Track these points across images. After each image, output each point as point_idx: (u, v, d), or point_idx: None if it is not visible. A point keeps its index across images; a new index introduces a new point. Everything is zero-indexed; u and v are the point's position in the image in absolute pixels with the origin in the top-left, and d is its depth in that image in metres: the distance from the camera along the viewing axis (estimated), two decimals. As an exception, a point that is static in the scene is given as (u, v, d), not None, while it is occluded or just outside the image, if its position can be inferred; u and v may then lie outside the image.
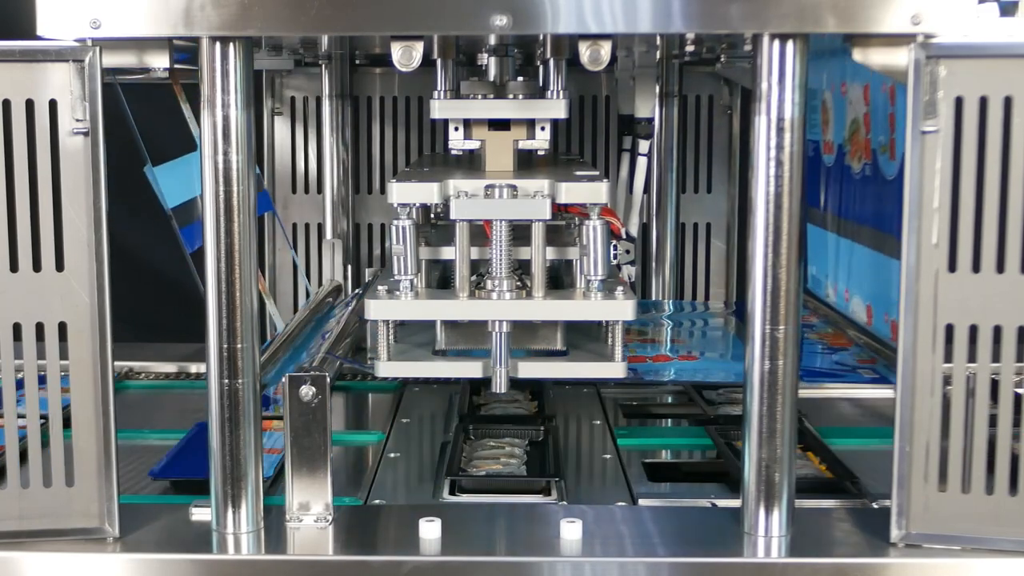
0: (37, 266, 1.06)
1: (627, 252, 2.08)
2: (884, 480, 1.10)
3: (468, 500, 1.24)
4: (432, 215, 1.38)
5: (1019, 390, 1.07)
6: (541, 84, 1.44)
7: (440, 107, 1.27)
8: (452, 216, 1.19)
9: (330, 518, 1.13)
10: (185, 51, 1.09)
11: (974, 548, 1.07)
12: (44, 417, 1.09)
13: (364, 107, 2.25)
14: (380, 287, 1.22)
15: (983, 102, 1.03)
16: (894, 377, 1.65)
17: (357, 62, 2.21)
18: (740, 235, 2.24)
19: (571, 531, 1.09)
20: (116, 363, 1.66)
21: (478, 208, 1.19)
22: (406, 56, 1.14)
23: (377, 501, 1.25)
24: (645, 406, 1.62)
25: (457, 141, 1.29)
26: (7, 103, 1.05)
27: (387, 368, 1.23)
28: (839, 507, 1.20)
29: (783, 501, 1.10)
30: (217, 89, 1.06)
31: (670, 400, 1.66)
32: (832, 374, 1.70)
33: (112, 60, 1.07)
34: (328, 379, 1.13)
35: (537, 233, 1.20)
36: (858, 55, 1.08)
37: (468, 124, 1.28)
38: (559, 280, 1.32)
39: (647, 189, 2.15)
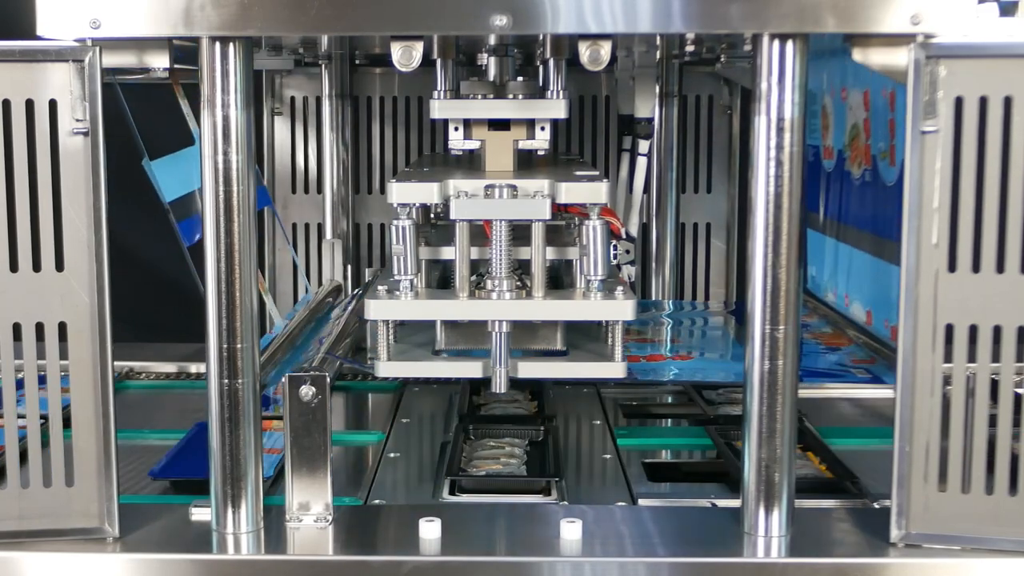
0: (37, 266, 1.06)
1: (627, 252, 2.08)
2: (884, 480, 1.10)
3: (468, 500, 1.24)
4: (432, 215, 1.38)
5: (1019, 390, 1.07)
6: (541, 84, 1.44)
7: (440, 107, 1.27)
8: (452, 216, 1.19)
9: (330, 518, 1.13)
10: (184, 51, 1.09)
11: (974, 548, 1.07)
12: (44, 417, 1.09)
13: (364, 107, 2.25)
14: (380, 287, 1.22)
15: (983, 102, 1.03)
16: (888, 377, 1.66)
17: (357, 62, 2.21)
18: (740, 235, 2.24)
19: (571, 531, 1.09)
20: (116, 363, 1.67)
21: (478, 208, 1.19)
22: (406, 56, 1.14)
23: (377, 501, 1.25)
24: (645, 406, 1.62)
25: (457, 141, 1.29)
26: (7, 103, 1.05)
27: (387, 368, 1.23)
28: (839, 507, 1.20)
29: (783, 501, 1.10)
30: (217, 89, 1.06)
31: (670, 400, 1.66)
32: (827, 374, 1.70)
33: (112, 60, 1.07)
34: (328, 379, 1.13)
35: (537, 233, 1.20)
36: (858, 55, 1.08)
37: (468, 124, 1.28)
38: (559, 280, 1.32)
39: (647, 189, 2.15)
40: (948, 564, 1.06)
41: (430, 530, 1.10)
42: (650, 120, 2.10)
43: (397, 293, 1.20)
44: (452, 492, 1.25)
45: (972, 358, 1.06)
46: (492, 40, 1.37)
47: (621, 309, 1.19)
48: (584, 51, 1.16)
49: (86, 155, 1.05)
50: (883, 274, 1.58)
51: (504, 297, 1.19)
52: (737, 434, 1.31)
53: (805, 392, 1.56)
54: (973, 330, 1.05)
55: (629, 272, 2.08)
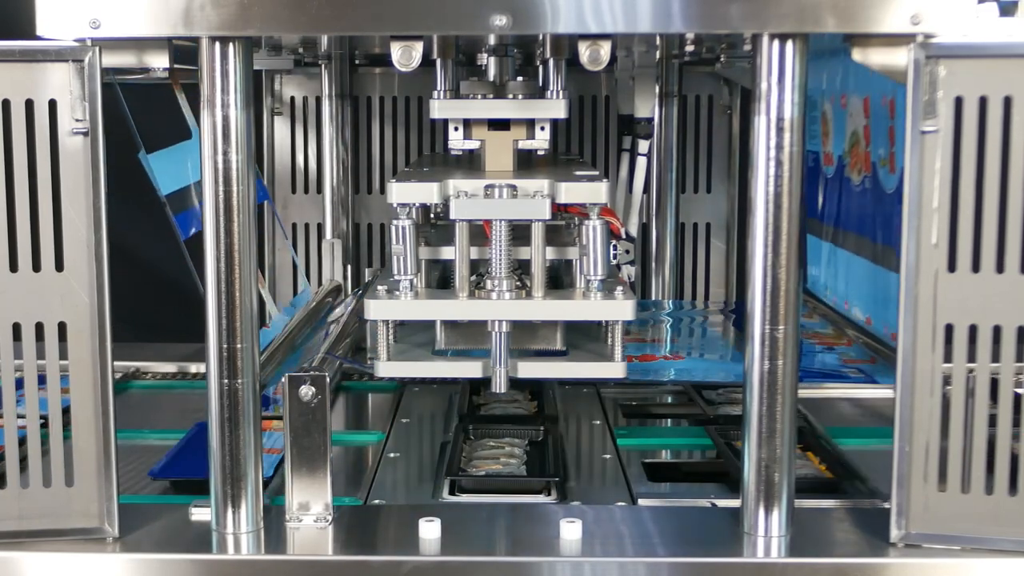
0: (37, 266, 1.06)
1: (627, 252, 2.08)
2: (884, 480, 1.10)
3: (468, 500, 1.24)
4: (432, 215, 1.38)
5: (1019, 390, 1.07)
6: (541, 84, 1.44)
7: (440, 107, 1.27)
8: (452, 216, 1.19)
9: (330, 518, 1.13)
10: (184, 51, 1.09)
11: (974, 548, 1.07)
12: (44, 417, 1.09)
13: (364, 107, 2.25)
14: (380, 287, 1.22)
15: (983, 102, 1.03)
16: (881, 377, 1.66)
17: (357, 62, 2.21)
18: (740, 235, 2.24)
19: (571, 531, 1.09)
20: (122, 363, 1.67)
21: (478, 208, 1.19)
22: (406, 56, 1.14)
23: (377, 501, 1.25)
24: (645, 406, 1.62)
25: (457, 141, 1.29)
26: (7, 103, 1.04)
27: (387, 368, 1.23)
28: (839, 507, 1.20)
29: (783, 501, 1.10)
30: (217, 89, 1.06)
31: (670, 400, 1.66)
32: (821, 374, 1.69)
33: (112, 60, 1.07)
34: (328, 379, 1.13)
35: (537, 233, 1.20)
36: (858, 55, 1.08)
37: (468, 124, 1.28)
38: (559, 280, 1.32)
39: (647, 189, 2.15)
40: (948, 564, 1.06)
41: (430, 530, 1.10)
42: (650, 120, 2.10)
43: (397, 293, 1.20)
44: (452, 492, 1.25)
45: (972, 358, 1.06)
46: (492, 40, 1.37)
47: (621, 309, 1.19)
48: (584, 51, 1.16)
49: (86, 155, 1.05)
50: (883, 280, 1.58)
51: (504, 297, 1.19)
52: (737, 434, 1.31)
53: (802, 392, 1.55)
54: (973, 330, 1.05)
55: (629, 272, 2.08)
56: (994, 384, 1.06)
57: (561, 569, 1.07)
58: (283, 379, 1.12)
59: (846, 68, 1.74)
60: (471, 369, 1.23)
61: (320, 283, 2.18)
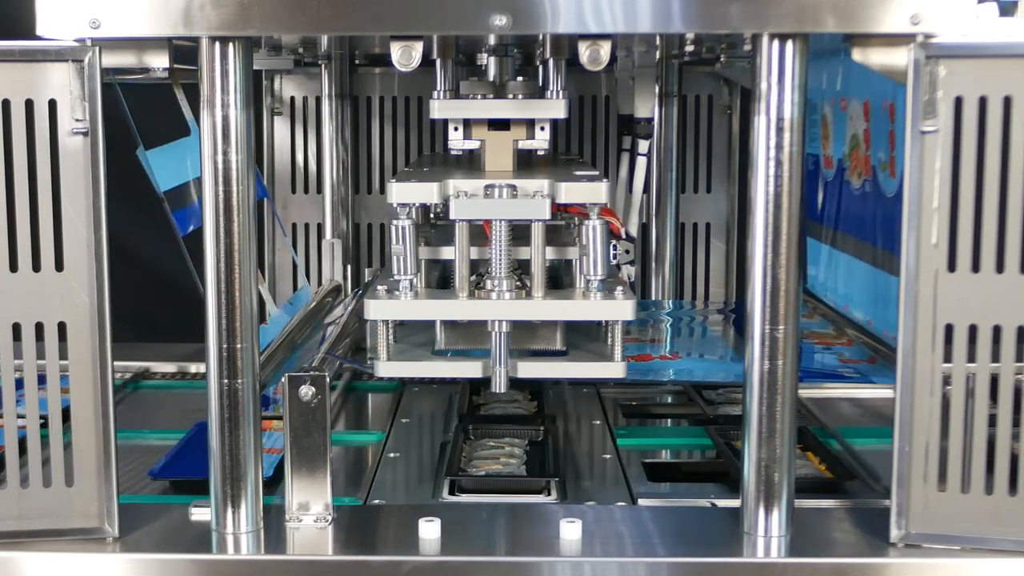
0: (37, 266, 1.06)
1: (627, 252, 2.08)
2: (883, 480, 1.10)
3: (468, 500, 1.24)
4: (432, 215, 1.38)
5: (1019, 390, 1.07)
6: (541, 84, 1.44)
7: (440, 107, 1.27)
8: (452, 216, 1.19)
9: (330, 518, 1.13)
10: (184, 51, 1.09)
11: (974, 548, 1.07)
12: (44, 417, 1.09)
13: (364, 107, 2.25)
14: (380, 287, 1.22)
15: (982, 102, 1.03)
16: (877, 377, 1.66)
17: (357, 62, 2.21)
18: (740, 235, 2.24)
19: (571, 531, 1.09)
20: (131, 363, 1.67)
21: (478, 208, 1.19)
22: (406, 56, 1.14)
23: (377, 501, 1.25)
24: (645, 406, 1.62)
25: (457, 141, 1.29)
26: (7, 103, 1.04)
27: (387, 368, 1.23)
28: (839, 507, 1.20)
29: (783, 501, 1.10)
30: (217, 89, 1.06)
31: (670, 400, 1.66)
32: (816, 374, 1.69)
33: (112, 60, 1.07)
34: (328, 379, 1.13)
35: (537, 233, 1.20)
36: (858, 55, 1.08)
37: (468, 124, 1.28)
38: (559, 280, 1.32)
39: (647, 189, 2.15)
40: (948, 564, 1.06)
41: (430, 530, 1.10)
42: (650, 120, 2.10)
43: (397, 293, 1.20)
44: (452, 492, 1.25)
45: (972, 358, 1.06)
46: (492, 40, 1.37)
47: (621, 309, 1.19)
48: (584, 51, 1.16)
49: (86, 155, 1.05)
50: (883, 284, 1.58)
51: (504, 297, 1.19)
52: (737, 434, 1.31)
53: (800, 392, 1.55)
54: (973, 330, 1.05)
55: (629, 272, 2.08)
56: (994, 384, 1.06)
57: (561, 569, 1.07)
58: (283, 379, 1.12)
59: (846, 71, 1.74)
60: (471, 369, 1.23)
61: (320, 283, 2.18)
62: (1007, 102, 1.02)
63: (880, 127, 1.58)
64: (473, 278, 1.22)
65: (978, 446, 1.06)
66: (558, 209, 1.23)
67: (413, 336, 1.29)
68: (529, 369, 1.21)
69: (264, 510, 1.13)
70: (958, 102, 1.03)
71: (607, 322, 1.22)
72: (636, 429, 1.52)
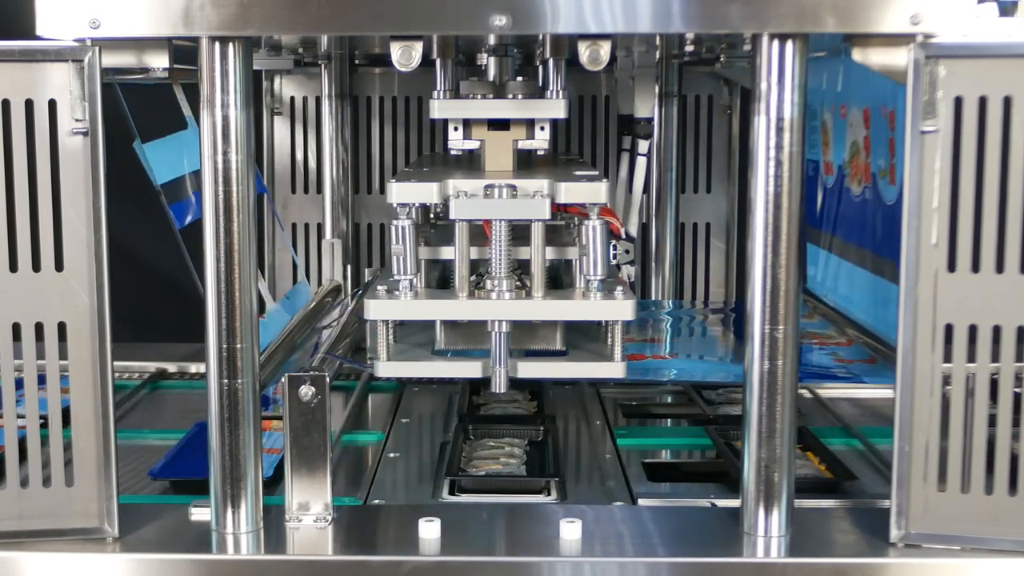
0: (37, 266, 1.06)
1: (627, 252, 2.08)
2: (884, 480, 1.10)
3: (467, 500, 1.24)
4: (432, 215, 1.38)
5: (1018, 390, 1.07)
6: (540, 84, 1.44)
7: (440, 107, 1.27)
8: (451, 216, 1.19)
9: (330, 518, 1.13)
10: (184, 51, 1.09)
11: (973, 548, 1.07)
12: (44, 417, 1.09)
13: (364, 107, 2.24)
14: (379, 287, 1.22)
15: (982, 102, 1.03)
16: (869, 378, 1.66)
17: (357, 62, 2.21)
18: (740, 235, 2.24)
19: (571, 531, 1.09)
20: (148, 363, 1.67)
21: (478, 208, 1.19)
22: (405, 56, 1.14)
23: (376, 501, 1.25)
24: (645, 406, 1.62)
25: (456, 141, 1.29)
26: (7, 103, 1.04)
27: (387, 368, 1.23)
28: (839, 507, 1.20)
29: (783, 501, 1.10)
30: (217, 89, 1.06)
31: (670, 400, 1.66)
32: (809, 375, 1.69)
33: (112, 60, 1.07)
34: (328, 379, 1.13)
35: (537, 233, 1.20)
36: (858, 55, 1.08)
37: (467, 124, 1.28)
38: (559, 280, 1.32)
39: (647, 189, 2.15)
40: (948, 564, 1.06)
41: (430, 530, 1.10)
42: (650, 120, 2.10)
43: (397, 293, 1.20)
44: (452, 492, 1.25)
45: (972, 358, 1.06)
46: (492, 40, 1.37)
47: (621, 309, 1.19)
48: (584, 51, 1.16)
49: (86, 155, 1.05)
50: (882, 292, 1.58)
51: (504, 297, 1.19)
52: (737, 434, 1.31)
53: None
54: (972, 330, 1.05)
55: (629, 272, 2.08)
56: (994, 384, 1.06)
57: (561, 569, 1.07)
58: (283, 379, 1.12)
59: (846, 78, 1.74)
60: (471, 369, 1.23)
61: (320, 283, 2.18)
62: (1007, 102, 1.02)
63: (880, 134, 1.58)
64: (473, 278, 1.22)
65: (978, 446, 1.07)
66: (558, 209, 1.23)
67: (413, 336, 1.29)
68: (529, 369, 1.21)
69: (264, 510, 1.13)
70: (958, 102, 1.03)
71: (607, 322, 1.22)
72: (636, 429, 1.52)
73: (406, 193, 1.20)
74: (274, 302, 1.89)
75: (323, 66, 2.17)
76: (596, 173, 1.26)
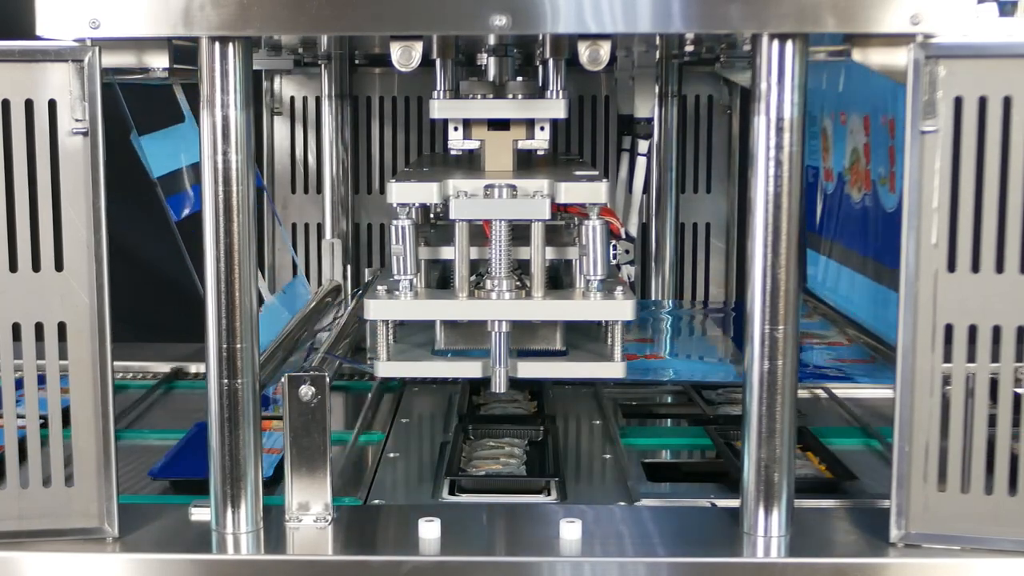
0: (36, 266, 1.06)
1: (627, 252, 2.08)
2: (884, 480, 1.10)
3: (467, 500, 1.24)
4: (432, 215, 1.38)
5: (1018, 390, 1.07)
6: (540, 84, 1.44)
7: (440, 107, 1.27)
8: (451, 216, 1.19)
9: (330, 518, 1.13)
10: (184, 51, 1.09)
11: (973, 548, 1.07)
12: (44, 417, 1.09)
13: (364, 107, 2.25)
14: (379, 287, 1.22)
15: (982, 102, 1.03)
16: (861, 378, 1.66)
17: (357, 62, 2.21)
18: (740, 235, 2.24)
19: (571, 531, 1.09)
20: (160, 363, 1.67)
21: (478, 208, 1.19)
22: (405, 56, 1.14)
23: (376, 501, 1.25)
24: (645, 406, 1.62)
25: (456, 141, 1.29)
26: (7, 103, 1.05)
27: (387, 368, 1.23)
28: (839, 507, 1.20)
29: (782, 501, 1.10)
30: (216, 89, 1.06)
31: (670, 400, 1.66)
32: (809, 375, 1.69)
33: (112, 60, 1.07)
34: (328, 379, 1.13)
35: (536, 233, 1.20)
36: (857, 55, 1.08)
37: (467, 124, 1.28)
38: (559, 280, 1.32)
39: (646, 189, 2.15)
40: (948, 564, 1.06)
41: (429, 530, 1.10)
42: (650, 120, 2.10)
43: (397, 293, 1.20)
44: (451, 492, 1.25)
45: (971, 358, 1.06)
46: (492, 40, 1.37)
47: (621, 309, 1.19)
48: (584, 51, 1.16)
49: (86, 155, 1.05)
50: (882, 298, 1.58)
51: (504, 297, 1.19)
52: (737, 434, 1.31)
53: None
54: (972, 330, 1.05)
55: (629, 272, 2.08)
56: (994, 384, 1.06)
57: (561, 569, 1.07)
58: (283, 379, 1.12)
59: (847, 85, 1.74)
60: (471, 369, 1.23)
61: (320, 283, 2.18)
62: (1007, 102, 1.02)
63: (880, 142, 1.58)
64: (473, 278, 1.22)
65: (978, 446, 1.07)
66: (558, 209, 1.23)
67: (413, 336, 1.29)
68: (529, 369, 1.21)
69: (264, 510, 1.13)
70: (958, 102, 1.03)
71: (607, 322, 1.22)
72: (636, 429, 1.52)
73: (406, 193, 1.20)
74: (271, 295, 1.88)
75: (323, 66, 2.17)
76: (596, 173, 1.26)
